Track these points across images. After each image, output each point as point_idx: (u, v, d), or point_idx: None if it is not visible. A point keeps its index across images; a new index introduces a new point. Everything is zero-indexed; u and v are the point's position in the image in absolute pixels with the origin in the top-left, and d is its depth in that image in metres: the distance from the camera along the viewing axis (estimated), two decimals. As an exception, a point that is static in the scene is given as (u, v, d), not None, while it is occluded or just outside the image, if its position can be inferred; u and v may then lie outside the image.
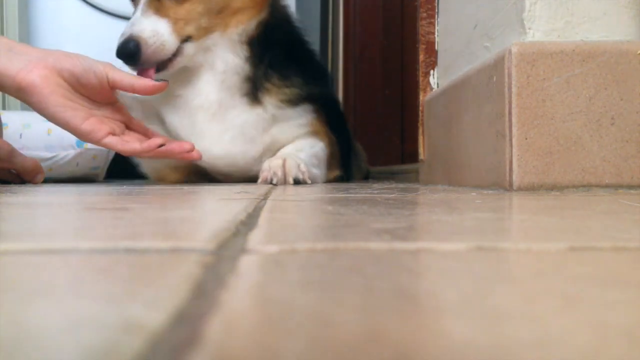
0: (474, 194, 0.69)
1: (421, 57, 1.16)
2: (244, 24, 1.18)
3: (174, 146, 1.00)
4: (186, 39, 1.12)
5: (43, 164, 1.21)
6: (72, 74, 0.93)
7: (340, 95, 2.61)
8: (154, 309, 0.16)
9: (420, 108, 1.18)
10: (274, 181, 1.02)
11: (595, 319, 0.15)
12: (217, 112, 1.17)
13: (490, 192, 0.72)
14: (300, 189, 0.88)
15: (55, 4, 2.23)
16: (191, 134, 1.16)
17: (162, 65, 1.11)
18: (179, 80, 1.15)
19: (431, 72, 1.16)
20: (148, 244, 0.27)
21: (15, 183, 1.14)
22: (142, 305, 0.16)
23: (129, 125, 1.04)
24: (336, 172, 1.33)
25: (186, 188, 0.87)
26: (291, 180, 1.02)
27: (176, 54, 1.12)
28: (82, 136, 0.94)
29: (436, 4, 1.15)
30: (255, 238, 0.29)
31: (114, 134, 0.97)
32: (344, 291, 0.18)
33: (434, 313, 0.16)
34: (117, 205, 0.51)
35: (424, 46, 1.16)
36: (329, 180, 1.28)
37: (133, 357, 0.12)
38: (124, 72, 1.00)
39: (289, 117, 1.21)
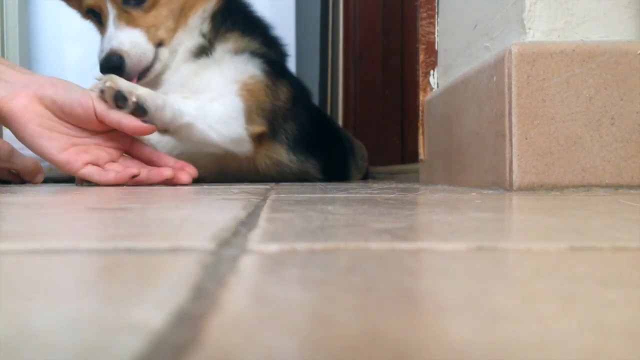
0: (474, 194, 0.69)
1: (421, 57, 1.17)
2: (202, 7, 1.21)
3: (152, 174, 0.96)
4: (159, 44, 1.16)
5: (43, 164, 1.21)
6: (54, 103, 0.91)
7: (340, 95, 2.61)
8: (154, 309, 0.16)
9: (420, 108, 1.18)
10: (100, 87, 0.91)
11: (595, 319, 0.15)
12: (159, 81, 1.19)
13: (490, 192, 0.72)
14: (300, 189, 0.88)
15: (55, 4, 2.23)
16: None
17: (142, 74, 1.13)
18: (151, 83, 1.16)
19: (431, 72, 1.16)
20: (148, 244, 0.27)
21: (15, 183, 1.14)
22: (142, 305, 0.16)
23: (130, 151, 1.01)
24: (258, 127, 1.19)
25: (186, 188, 0.87)
26: (110, 89, 0.90)
27: (154, 60, 1.15)
28: (60, 167, 0.92)
29: (436, 4, 1.15)
30: (255, 238, 0.29)
31: (95, 163, 0.93)
32: (344, 291, 0.18)
33: (434, 313, 0.16)
34: (117, 205, 0.51)
35: (424, 46, 1.16)
36: (253, 135, 1.17)
37: (133, 357, 0.12)
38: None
39: (229, 62, 1.20)
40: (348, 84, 2.53)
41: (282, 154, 1.24)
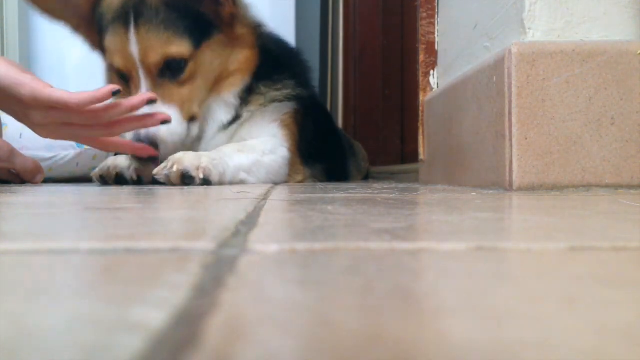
0: (474, 194, 0.69)
1: (421, 57, 1.17)
2: (240, 82, 1.15)
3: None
4: (192, 119, 1.11)
5: (43, 164, 1.21)
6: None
7: (340, 95, 2.61)
8: (154, 309, 0.16)
9: (420, 108, 1.18)
10: (165, 172, 0.94)
11: (595, 319, 0.15)
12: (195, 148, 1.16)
13: (490, 192, 0.72)
14: (300, 189, 0.88)
15: (55, 4, 2.23)
16: None
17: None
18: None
19: (431, 72, 1.16)
20: (148, 244, 0.27)
21: (15, 183, 1.14)
22: (142, 305, 0.16)
23: None
24: (297, 176, 1.25)
25: (186, 189, 0.87)
26: (176, 172, 0.93)
27: (185, 138, 1.10)
28: (66, 99, 0.90)
29: (436, 4, 1.15)
30: (255, 238, 0.29)
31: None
32: (344, 291, 0.18)
33: (434, 313, 0.16)
34: (117, 205, 0.51)
35: (424, 46, 1.16)
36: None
37: (133, 357, 0.12)
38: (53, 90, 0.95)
39: (262, 114, 1.19)
40: (348, 84, 2.53)
41: (300, 169, 1.28)
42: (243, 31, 1.16)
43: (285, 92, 1.20)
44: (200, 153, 1.00)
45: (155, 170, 0.97)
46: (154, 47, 1.06)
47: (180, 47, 1.06)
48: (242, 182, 1.07)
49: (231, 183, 1.04)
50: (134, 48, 1.06)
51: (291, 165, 1.23)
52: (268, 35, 1.24)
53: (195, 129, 1.12)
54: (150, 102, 0.96)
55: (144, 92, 1.06)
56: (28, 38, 2.24)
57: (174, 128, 1.06)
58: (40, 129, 0.95)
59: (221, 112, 1.16)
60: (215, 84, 1.14)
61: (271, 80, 1.19)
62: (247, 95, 1.18)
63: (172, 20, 1.07)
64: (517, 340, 0.13)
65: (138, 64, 1.07)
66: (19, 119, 0.96)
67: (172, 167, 0.94)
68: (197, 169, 0.94)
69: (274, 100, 1.19)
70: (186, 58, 1.07)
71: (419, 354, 0.13)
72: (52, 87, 0.92)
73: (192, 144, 1.14)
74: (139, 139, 1.04)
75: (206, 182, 0.95)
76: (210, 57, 1.11)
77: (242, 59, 1.15)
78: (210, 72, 1.11)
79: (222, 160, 1.01)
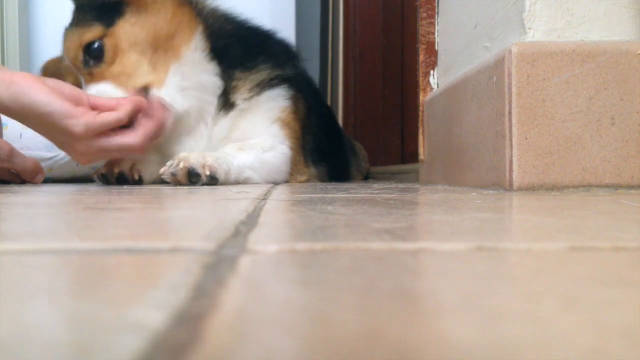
0: (474, 194, 0.69)
1: (421, 57, 1.16)
2: (189, 41, 1.14)
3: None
4: (145, 88, 1.08)
5: (43, 164, 1.21)
6: (53, 81, 0.96)
7: (340, 95, 2.61)
8: (154, 309, 0.16)
9: (420, 108, 1.18)
10: (171, 170, 0.94)
11: (595, 319, 0.15)
12: (192, 133, 1.16)
13: (490, 192, 0.72)
14: (300, 189, 0.88)
15: (55, 4, 2.23)
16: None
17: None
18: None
19: (431, 72, 1.16)
20: (148, 244, 0.27)
21: (15, 183, 1.14)
22: (142, 305, 0.16)
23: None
24: (300, 177, 1.26)
25: (186, 188, 0.87)
26: (183, 169, 0.94)
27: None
28: (75, 116, 0.91)
29: (436, 4, 1.15)
30: (255, 238, 0.29)
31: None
32: (344, 291, 0.18)
33: (434, 313, 0.16)
34: (117, 205, 0.51)
35: (424, 46, 1.16)
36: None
37: (133, 357, 0.12)
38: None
39: (259, 105, 1.18)
40: (348, 84, 2.53)
41: (303, 170, 1.28)
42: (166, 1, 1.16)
43: (265, 73, 1.19)
44: (203, 152, 1.01)
45: (162, 170, 0.97)
46: (72, 45, 1.10)
47: (90, 33, 1.09)
48: (246, 180, 1.08)
49: (236, 181, 1.04)
50: (65, 60, 1.13)
51: (294, 164, 1.23)
52: (218, 14, 1.23)
53: (162, 93, 1.09)
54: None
55: (85, 87, 1.09)
56: (28, 38, 2.24)
57: (106, 92, 1.06)
58: (82, 157, 0.98)
59: (198, 72, 1.14)
60: (166, 51, 1.13)
61: (243, 66, 1.19)
62: (227, 76, 1.17)
63: (80, 19, 1.11)
64: (517, 340, 0.13)
65: (71, 67, 1.12)
66: (60, 146, 0.99)
67: (178, 164, 0.94)
68: (203, 166, 0.95)
69: (258, 85, 1.18)
70: (100, 38, 1.09)
71: (419, 354, 0.12)
72: (97, 110, 0.95)
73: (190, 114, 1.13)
74: None
75: (212, 179, 0.96)
76: (131, 29, 1.11)
77: (169, 17, 1.14)
78: (140, 42, 1.11)
79: (225, 159, 1.01)
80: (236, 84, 1.18)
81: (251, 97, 1.18)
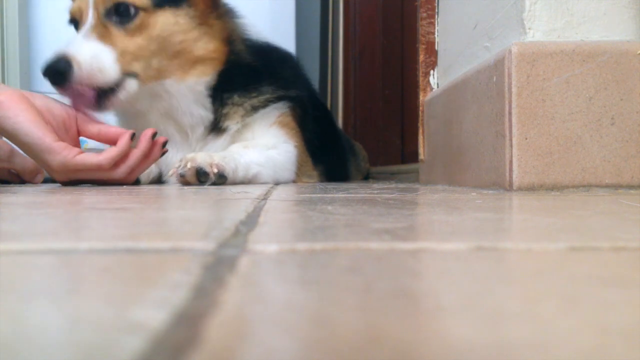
0: (474, 194, 0.69)
1: (421, 57, 1.16)
2: (209, 75, 1.12)
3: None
4: (130, 75, 1.05)
5: (43, 164, 1.21)
6: (43, 101, 0.95)
7: (340, 95, 2.61)
8: (154, 309, 0.16)
9: (420, 108, 1.18)
10: (180, 171, 0.94)
11: (595, 319, 0.15)
12: (186, 152, 1.13)
13: (490, 192, 0.72)
14: (300, 189, 0.88)
15: (55, 4, 2.23)
16: (164, 171, 1.16)
17: (103, 97, 1.02)
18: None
19: (431, 72, 1.16)
20: (148, 244, 0.27)
21: (15, 183, 1.14)
22: (142, 305, 0.16)
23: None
24: (307, 179, 1.26)
25: (186, 188, 0.87)
26: (191, 169, 0.93)
27: (117, 86, 1.03)
28: (55, 153, 0.91)
29: (436, 4, 1.15)
30: (255, 238, 0.29)
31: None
32: (344, 291, 0.18)
33: (434, 313, 0.16)
34: (117, 205, 0.51)
35: (424, 46, 1.16)
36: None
37: (133, 357, 0.12)
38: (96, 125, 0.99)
39: (254, 121, 1.17)
40: (348, 84, 2.53)
41: (311, 172, 1.28)
42: (216, 22, 1.13)
43: (263, 97, 1.17)
44: (210, 152, 1.00)
45: (170, 172, 0.97)
46: None
47: None
48: (254, 177, 1.07)
49: (244, 178, 1.04)
50: None
51: (301, 165, 1.22)
52: (246, 43, 1.20)
53: (133, 85, 1.05)
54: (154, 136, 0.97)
55: (84, 30, 1.03)
56: (28, 38, 2.24)
57: (101, 58, 1.00)
58: (58, 175, 0.96)
59: (193, 104, 1.12)
60: (176, 64, 1.09)
61: (246, 90, 1.16)
62: (219, 104, 1.15)
63: None
64: (517, 340, 0.13)
65: (90, 3, 1.04)
66: (39, 164, 0.98)
67: (186, 165, 0.94)
68: (211, 165, 0.95)
69: (254, 108, 1.16)
70: (138, 6, 1.04)
71: (419, 354, 0.12)
72: (80, 149, 0.94)
73: (141, 106, 1.10)
74: (54, 58, 0.98)
75: (221, 177, 0.96)
76: (172, 25, 1.07)
77: (211, 47, 1.11)
78: (167, 41, 1.07)
79: (232, 157, 1.01)
80: (227, 111, 1.15)
81: (246, 118, 1.16)
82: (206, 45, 1.11)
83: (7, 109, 0.89)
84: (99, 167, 0.93)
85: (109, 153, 0.93)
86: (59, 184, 0.99)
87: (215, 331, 0.14)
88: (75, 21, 1.09)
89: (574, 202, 0.56)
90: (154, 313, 0.15)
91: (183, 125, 1.14)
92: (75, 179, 0.95)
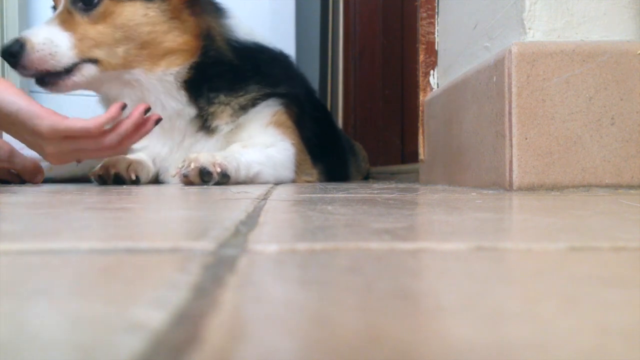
0: (474, 194, 0.69)
1: (421, 57, 1.16)
2: (178, 67, 1.13)
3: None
4: (90, 60, 1.07)
5: (43, 164, 1.21)
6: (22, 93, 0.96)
7: (340, 95, 2.61)
8: (154, 309, 0.16)
9: (420, 108, 1.18)
10: (183, 172, 0.95)
11: (595, 319, 0.15)
12: (178, 150, 1.15)
13: (490, 192, 0.72)
14: (300, 189, 0.88)
15: (55, 4, 2.23)
16: (161, 170, 1.17)
17: (53, 80, 1.06)
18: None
19: (431, 72, 1.16)
20: (148, 244, 0.27)
21: (15, 183, 1.14)
22: (142, 305, 0.16)
23: None
24: (307, 178, 1.26)
25: (186, 188, 0.87)
26: (194, 169, 0.94)
27: (71, 71, 1.07)
28: (58, 124, 0.92)
29: (436, 4, 1.15)
30: (255, 238, 0.29)
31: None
32: (344, 291, 0.18)
33: (434, 313, 0.16)
34: (117, 205, 0.51)
35: (424, 46, 1.16)
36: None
37: (133, 357, 0.12)
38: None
39: (248, 120, 1.17)
40: (348, 84, 2.53)
41: (310, 171, 1.28)
42: (190, 19, 1.14)
43: (250, 96, 1.18)
44: (212, 152, 1.01)
45: (173, 173, 0.99)
46: None
47: None
48: (256, 176, 1.08)
49: (246, 177, 1.04)
50: None
51: (300, 163, 1.23)
52: (230, 42, 1.20)
53: (91, 70, 1.08)
54: (147, 110, 0.97)
55: (51, 17, 1.08)
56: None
57: (55, 42, 1.04)
58: (52, 158, 0.97)
59: (162, 95, 1.13)
60: (146, 55, 1.11)
61: (232, 89, 1.17)
62: (198, 99, 1.15)
63: None
64: (517, 340, 0.13)
65: None
66: (31, 147, 0.98)
67: (189, 165, 0.95)
68: (214, 165, 0.95)
69: (242, 107, 1.17)
70: None
71: (419, 354, 0.12)
72: (68, 118, 0.94)
73: (103, 92, 1.12)
74: (9, 42, 1.04)
75: (224, 177, 0.96)
76: (141, 16, 1.09)
77: (181, 40, 1.13)
78: (134, 31, 1.09)
79: (233, 156, 1.02)
80: (215, 110, 1.15)
81: (236, 119, 1.16)
82: (176, 38, 1.13)
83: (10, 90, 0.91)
84: (87, 132, 0.92)
85: (98, 119, 0.94)
86: (59, 184, 0.99)
87: (215, 331, 0.14)
88: (55, 8, 1.13)
89: (574, 202, 0.56)
90: (153, 313, 0.15)
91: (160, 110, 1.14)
92: (67, 151, 0.95)
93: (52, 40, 1.04)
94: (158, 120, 0.99)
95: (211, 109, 1.16)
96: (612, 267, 0.23)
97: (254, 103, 1.18)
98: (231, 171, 0.98)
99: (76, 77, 1.07)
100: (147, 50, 1.11)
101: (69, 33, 1.06)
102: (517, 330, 0.14)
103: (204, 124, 1.16)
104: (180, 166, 0.97)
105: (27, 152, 1.20)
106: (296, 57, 2.41)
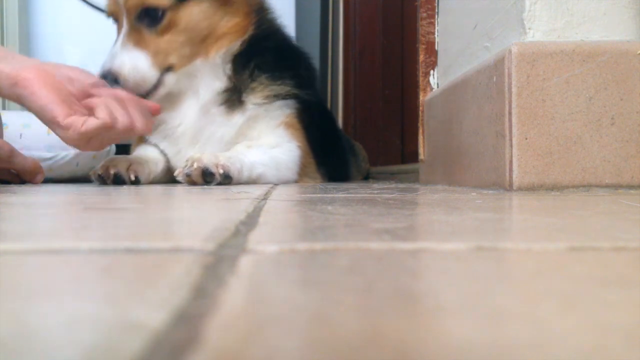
0: (474, 194, 0.69)
1: (421, 57, 1.16)
2: (227, 47, 1.18)
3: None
4: (167, 69, 1.13)
5: (43, 164, 1.21)
6: (59, 70, 0.97)
7: (340, 95, 2.61)
8: (154, 309, 0.16)
9: (420, 108, 1.18)
10: (186, 171, 0.96)
11: (595, 319, 0.15)
12: (197, 134, 1.18)
13: (490, 192, 0.72)
14: (300, 189, 0.88)
15: (55, 4, 2.23)
16: (176, 156, 1.19)
17: (144, 96, 1.11)
18: (164, 107, 1.15)
19: (431, 72, 1.16)
20: (148, 244, 0.27)
21: (15, 183, 1.14)
22: (142, 305, 0.16)
23: None
24: (311, 181, 1.27)
25: (186, 188, 0.87)
26: (197, 169, 0.96)
27: (157, 85, 1.12)
28: (64, 128, 0.93)
29: (436, 4, 1.15)
30: (255, 238, 0.29)
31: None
32: (344, 291, 0.18)
33: (434, 313, 0.16)
34: (117, 205, 0.51)
35: (424, 46, 1.16)
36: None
37: (133, 357, 0.12)
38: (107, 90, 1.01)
39: (266, 114, 1.20)
40: (348, 84, 2.53)
41: (315, 175, 1.29)
42: (238, 0, 1.19)
43: (286, 89, 1.22)
44: (216, 153, 1.03)
45: (175, 172, 1.00)
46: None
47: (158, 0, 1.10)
48: (259, 177, 1.09)
49: (249, 178, 1.06)
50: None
51: (305, 166, 1.24)
52: (271, 21, 1.26)
53: (170, 79, 1.14)
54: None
55: (121, 37, 1.12)
56: (28, 38, 2.24)
57: (140, 69, 1.09)
58: (81, 147, 0.97)
59: (210, 77, 1.18)
60: (203, 46, 1.16)
61: (272, 74, 1.21)
62: (241, 72, 1.19)
63: None
64: (517, 340, 0.13)
65: (122, 8, 1.12)
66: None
67: (192, 165, 0.96)
68: (216, 166, 0.97)
69: (276, 95, 1.20)
70: (164, 8, 1.11)
71: (419, 354, 0.12)
72: (86, 116, 0.95)
73: (175, 89, 1.16)
74: (103, 74, 1.08)
75: (227, 178, 0.98)
76: (197, 14, 1.14)
77: (231, 24, 1.18)
78: (195, 30, 1.14)
79: (236, 157, 1.04)
80: (255, 86, 1.19)
81: (263, 103, 1.19)
82: (227, 23, 1.18)
83: (25, 87, 0.91)
84: (105, 126, 0.94)
85: (103, 111, 0.95)
86: (59, 184, 0.99)
87: (215, 331, 0.14)
88: (116, 20, 1.17)
89: (574, 202, 0.56)
90: (154, 313, 0.15)
91: (200, 97, 1.18)
92: (97, 144, 0.97)
93: (137, 67, 1.10)
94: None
95: (252, 84, 1.19)
96: (612, 267, 0.23)
97: (284, 96, 1.21)
98: (234, 172, 0.99)
99: (161, 90, 1.14)
100: (206, 42, 1.17)
101: (144, 52, 1.11)
102: (517, 330, 0.14)
103: (235, 95, 1.19)
104: (183, 165, 0.98)
105: (27, 153, 1.20)
106: (296, 57, 2.41)
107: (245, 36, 1.19)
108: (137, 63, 1.10)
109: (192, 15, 1.13)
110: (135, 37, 1.11)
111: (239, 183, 1.02)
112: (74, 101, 0.96)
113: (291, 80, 1.23)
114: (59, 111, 0.92)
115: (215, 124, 1.18)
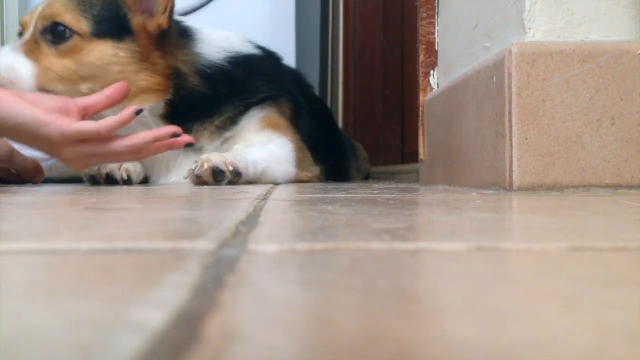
0: (474, 194, 0.69)
1: (421, 57, 1.16)
2: (152, 103, 1.10)
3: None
4: (48, 92, 1.04)
5: (43, 164, 1.21)
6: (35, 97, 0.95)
7: (340, 95, 2.60)
8: (153, 309, 0.16)
9: (420, 108, 1.18)
10: (196, 172, 0.97)
11: (595, 319, 0.15)
12: (172, 168, 1.15)
13: (490, 192, 0.72)
14: (300, 189, 0.88)
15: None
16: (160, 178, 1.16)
17: None
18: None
19: (431, 72, 1.16)
20: (148, 244, 0.27)
21: (15, 183, 1.14)
22: (142, 305, 0.16)
23: None
24: (308, 174, 1.26)
25: (186, 188, 0.87)
26: (207, 169, 0.96)
27: None
28: (51, 123, 0.90)
29: (436, 4, 1.15)
30: (255, 238, 0.29)
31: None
32: (344, 291, 0.18)
33: (434, 313, 0.16)
34: (117, 205, 0.51)
35: (424, 46, 1.16)
36: (300, 181, 1.22)
37: (133, 357, 0.12)
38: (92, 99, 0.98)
39: (240, 129, 1.18)
40: (348, 84, 2.53)
41: (311, 168, 1.29)
42: (160, 61, 1.12)
43: (225, 116, 1.17)
44: (221, 153, 1.03)
45: (185, 174, 1.01)
46: (54, 10, 1.06)
47: (74, 20, 1.05)
48: (263, 173, 1.09)
49: (254, 174, 1.06)
50: (41, 7, 1.08)
51: (300, 160, 1.24)
52: (201, 74, 1.17)
53: None
54: (174, 135, 0.97)
55: (19, 42, 1.07)
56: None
57: (18, 72, 1.03)
58: (72, 163, 0.96)
59: (140, 127, 1.08)
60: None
61: (206, 116, 1.16)
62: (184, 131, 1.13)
63: (89, 2, 1.07)
64: (517, 340, 0.13)
65: (34, 20, 1.07)
66: (49, 154, 0.98)
67: (202, 165, 0.97)
68: (225, 164, 0.98)
69: (222, 126, 1.17)
70: (74, 30, 1.05)
71: (419, 354, 0.12)
72: (76, 120, 0.93)
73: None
74: None
75: (236, 175, 0.99)
76: (110, 56, 1.07)
77: (154, 81, 1.11)
78: (104, 70, 1.06)
79: (240, 155, 1.04)
80: (194, 135, 1.12)
81: (219, 136, 1.17)
82: (148, 78, 1.11)
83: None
84: (97, 134, 0.91)
85: (108, 120, 0.92)
86: (59, 184, 0.99)
87: (215, 331, 0.14)
88: (22, 33, 1.11)
89: (574, 202, 0.56)
90: (153, 313, 0.15)
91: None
92: (85, 155, 0.94)
93: (13, 68, 1.04)
94: (189, 144, 0.99)
95: (191, 134, 1.14)
96: (612, 267, 0.23)
97: (237, 119, 1.18)
98: (242, 169, 1.00)
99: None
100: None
101: (33, 62, 1.05)
102: (517, 330, 0.14)
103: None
104: (192, 167, 0.99)
105: (27, 153, 1.20)
106: (296, 57, 2.41)
107: (166, 97, 1.12)
108: (15, 66, 1.04)
109: (103, 53, 1.06)
110: (31, 47, 1.06)
111: (247, 180, 1.03)
112: (56, 112, 0.94)
113: (228, 105, 1.18)
114: (37, 111, 0.89)
115: (189, 158, 1.14)
